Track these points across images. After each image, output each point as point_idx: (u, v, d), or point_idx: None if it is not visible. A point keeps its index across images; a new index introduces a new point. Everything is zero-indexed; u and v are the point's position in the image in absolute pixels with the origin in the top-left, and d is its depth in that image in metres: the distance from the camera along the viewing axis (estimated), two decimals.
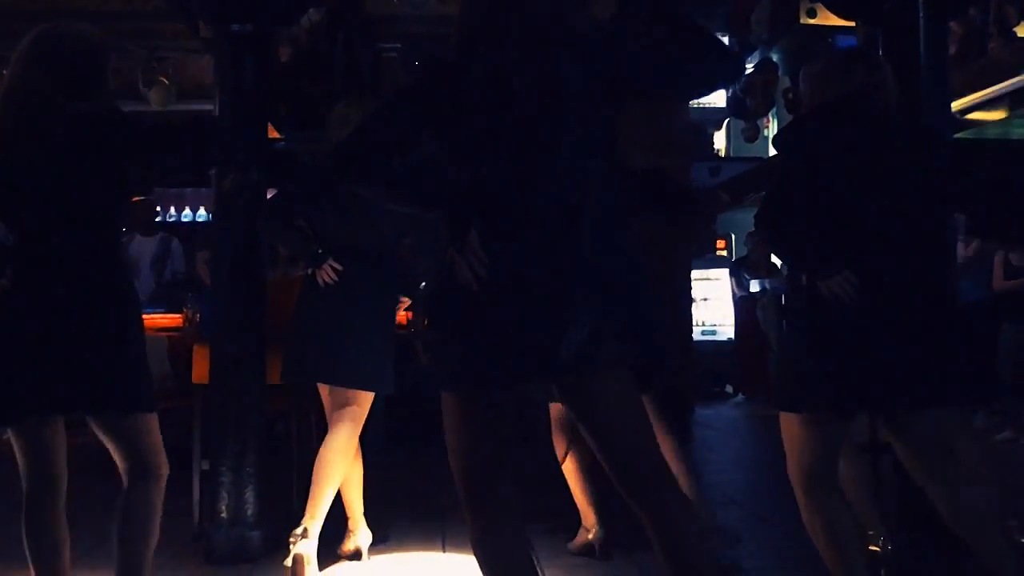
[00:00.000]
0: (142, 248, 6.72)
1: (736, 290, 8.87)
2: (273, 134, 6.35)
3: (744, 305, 8.72)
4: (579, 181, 1.72)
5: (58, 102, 2.11)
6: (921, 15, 3.31)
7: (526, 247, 1.68)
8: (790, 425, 2.31)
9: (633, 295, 1.75)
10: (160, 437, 2.23)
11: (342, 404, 3.09)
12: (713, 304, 9.23)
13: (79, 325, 2.08)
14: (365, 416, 3.12)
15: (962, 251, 6.21)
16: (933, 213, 2.36)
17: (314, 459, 3.06)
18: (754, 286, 8.51)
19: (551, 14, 1.74)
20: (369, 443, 4.50)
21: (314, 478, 3.02)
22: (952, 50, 6.43)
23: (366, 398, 3.10)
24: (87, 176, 2.13)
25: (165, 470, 2.23)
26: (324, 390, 3.17)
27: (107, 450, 2.20)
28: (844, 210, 2.24)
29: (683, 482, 3.16)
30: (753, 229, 9.35)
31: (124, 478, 2.20)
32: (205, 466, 3.47)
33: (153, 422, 2.20)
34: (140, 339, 2.20)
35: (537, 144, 1.71)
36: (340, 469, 3.02)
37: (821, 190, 2.23)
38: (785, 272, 6.56)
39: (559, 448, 3.22)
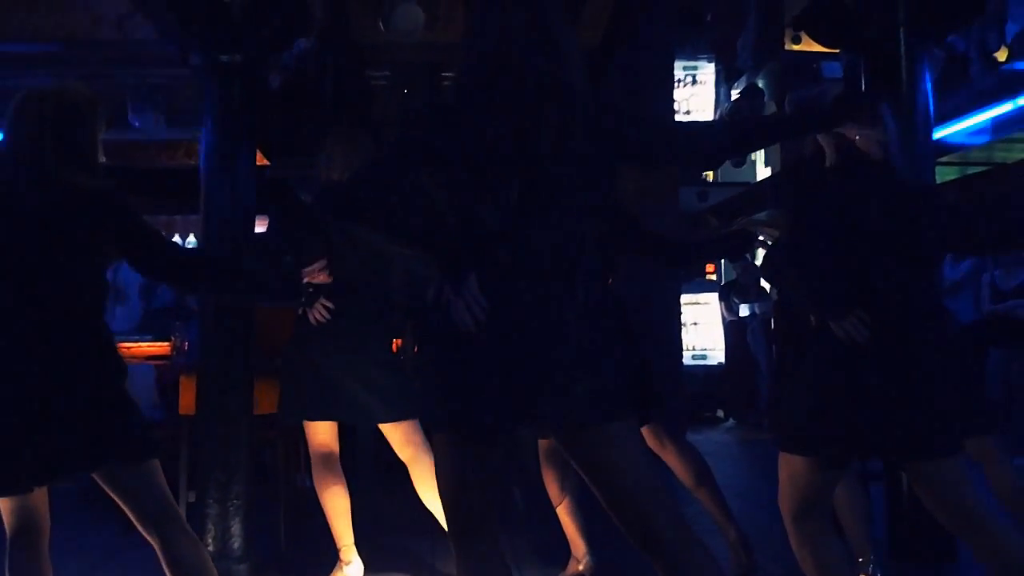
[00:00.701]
0: (131, 275, 6.69)
1: (726, 314, 8.88)
2: (262, 161, 6.36)
3: (734, 329, 8.73)
4: (576, 236, 1.74)
5: (55, 171, 2.10)
6: (903, 43, 3.35)
7: (519, 295, 1.69)
8: (791, 462, 2.27)
9: (625, 350, 1.76)
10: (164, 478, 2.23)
11: (401, 445, 3.11)
12: (703, 328, 9.23)
13: (73, 388, 2.07)
14: (421, 435, 3.11)
15: (949, 274, 6.25)
16: (932, 256, 2.36)
17: (299, 491, 3.04)
18: (744, 310, 8.53)
19: (554, 71, 1.77)
20: (359, 469, 4.48)
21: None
22: (935, 75, 6.50)
23: (410, 427, 3.09)
24: (73, 247, 2.11)
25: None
26: (310, 427, 3.16)
27: (95, 489, 2.18)
28: (848, 258, 2.23)
29: (709, 505, 3.16)
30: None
31: (152, 534, 2.16)
32: (191, 498, 3.43)
33: (159, 466, 2.20)
34: (127, 391, 2.20)
35: (538, 196, 1.73)
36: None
37: (830, 237, 2.23)
38: (775, 298, 6.57)
39: (549, 482, 3.19)
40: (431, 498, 3.08)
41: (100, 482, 2.16)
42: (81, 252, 2.12)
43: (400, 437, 3.10)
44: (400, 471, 3.21)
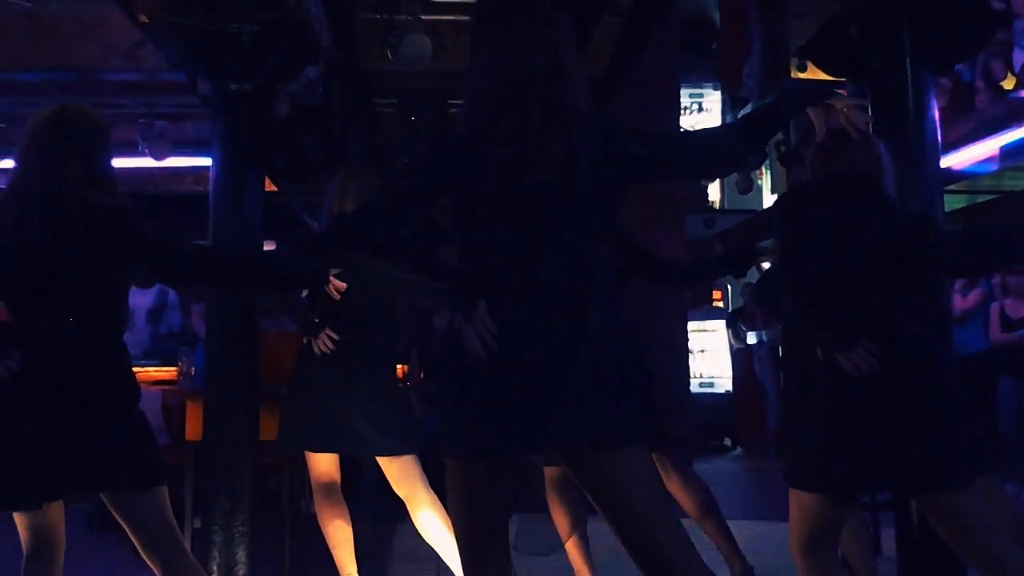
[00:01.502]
0: (138, 300, 6.72)
1: (733, 342, 8.83)
2: (270, 187, 6.39)
3: (742, 357, 8.70)
4: (587, 260, 1.74)
5: (74, 190, 2.12)
6: (908, 72, 3.36)
7: (532, 320, 1.69)
8: (801, 497, 2.25)
9: (638, 375, 1.76)
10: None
11: (398, 480, 3.08)
12: (710, 356, 9.21)
13: (88, 408, 2.08)
14: (418, 470, 3.09)
15: (959, 303, 6.22)
16: (931, 285, 2.34)
17: (304, 517, 3.03)
18: (751, 338, 8.50)
19: (561, 96, 1.78)
20: (363, 496, 4.45)
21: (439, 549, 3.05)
22: (942, 104, 6.52)
23: (407, 462, 3.07)
24: (96, 265, 2.13)
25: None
26: (312, 457, 3.15)
27: (102, 512, 2.18)
28: (844, 285, 2.21)
29: (714, 536, 3.12)
30: (749, 281, 9.38)
31: (155, 561, 2.17)
32: (196, 524, 3.42)
33: (166, 493, 2.20)
34: (142, 415, 2.21)
35: (547, 222, 1.73)
36: (447, 529, 2.99)
37: (822, 263, 2.22)
38: (781, 327, 6.55)
39: (557, 515, 3.16)
40: (430, 533, 3.06)
41: (108, 505, 2.16)
42: (102, 271, 2.14)
43: (397, 471, 3.07)
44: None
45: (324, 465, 3.15)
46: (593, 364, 1.68)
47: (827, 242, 2.24)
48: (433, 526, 3.03)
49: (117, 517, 2.17)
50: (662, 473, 3.08)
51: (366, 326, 3.06)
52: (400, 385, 4.84)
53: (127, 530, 2.18)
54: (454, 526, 1.81)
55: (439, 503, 3.03)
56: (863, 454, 2.13)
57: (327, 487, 3.16)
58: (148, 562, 2.17)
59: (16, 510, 2.13)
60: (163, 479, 2.18)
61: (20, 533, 2.18)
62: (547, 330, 1.69)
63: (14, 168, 2.19)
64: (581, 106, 1.80)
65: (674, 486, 3.11)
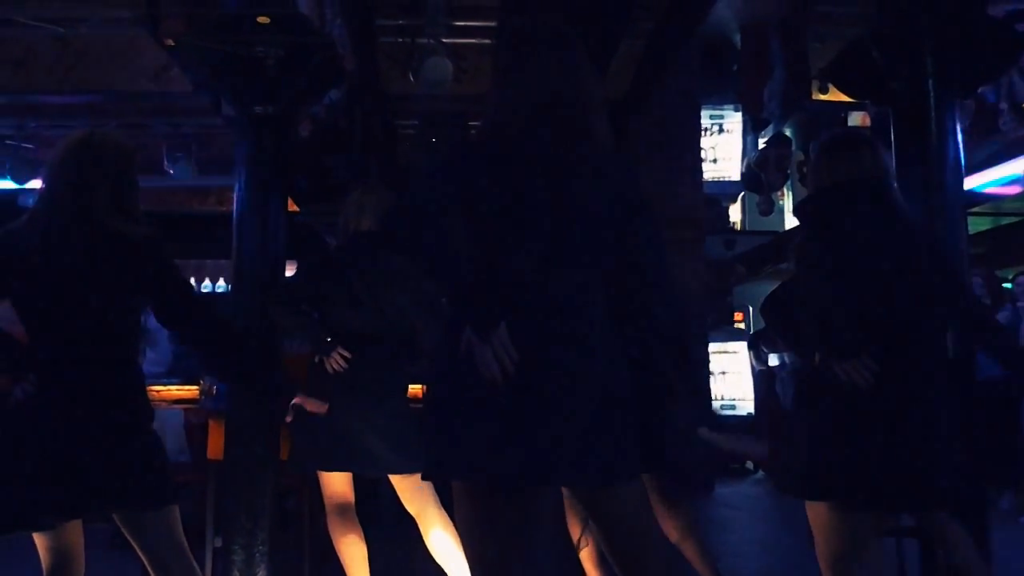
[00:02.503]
0: None
1: (755, 364, 8.79)
2: (292, 207, 6.43)
3: (763, 379, 8.63)
4: (589, 285, 1.74)
5: (101, 216, 2.15)
6: (932, 94, 3.34)
7: (536, 345, 1.67)
8: (816, 509, 2.23)
9: (643, 405, 1.77)
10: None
11: (409, 498, 3.08)
12: (732, 378, 9.14)
13: (102, 429, 2.10)
14: (430, 488, 3.08)
15: None
16: (943, 296, 2.32)
17: (325, 536, 3.02)
18: (772, 360, 8.44)
19: (584, 121, 1.79)
20: (377, 517, 4.44)
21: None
22: (965, 126, 6.47)
23: (419, 480, 3.05)
24: (116, 292, 2.16)
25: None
26: (325, 476, 3.14)
27: (118, 535, 2.20)
28: (856, 293, 2.19)
29: (695, 561, 3.09)
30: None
31: None
32: (217, 543, 3.43)
33: (177, 512, 2.22)
34: (155, 434, 2.23)
35: (557, 243, 1.73)
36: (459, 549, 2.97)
37: (832, 271, 2.21)
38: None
39: (573, 532, 3.15)
40: (441, 553, 3.05)
41: (119, 524, 2.18)
42: (119, 296, 2.16)
43: (409, 489, 3.06)
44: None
45: (337, 485, 3.14)
46: (596, 397, 1.68)
47: (837, 249, 2.22)
48: (445, 545, 3.02)
49: (127, 535, 2.18)
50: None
51: (378, 344, 3.07)
52: (419, 404, 4.83)
53: (136, 548, 2.18)
54: (465, 552, 1.79)
55: (451, 522, 3.02)
56: (873, 465, 2.10)
57: (341, 507, 3.15)
58: None
59: (31, 530, 2.14)
60: (175, 498, 2.19)
61: (40, 553, 2.18)
62: (552, 356, 1.68)
63: (42, 190, 2.22)
64: (601, 130, 1.81)
65: (656, 506, 3.07)
